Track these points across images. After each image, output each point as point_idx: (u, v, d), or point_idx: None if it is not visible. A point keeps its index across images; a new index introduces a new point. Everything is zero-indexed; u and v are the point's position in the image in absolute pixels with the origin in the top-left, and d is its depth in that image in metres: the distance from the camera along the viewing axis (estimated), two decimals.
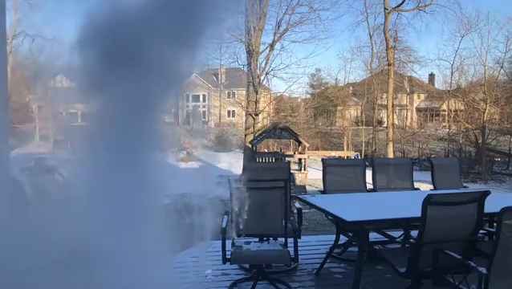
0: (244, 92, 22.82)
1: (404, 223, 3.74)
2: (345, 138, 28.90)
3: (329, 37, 45.48)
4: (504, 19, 30.40)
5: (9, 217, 1.98)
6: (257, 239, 3.79)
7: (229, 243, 3.46)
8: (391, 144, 23.06)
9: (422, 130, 30.10)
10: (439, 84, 37.39)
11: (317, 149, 26.51)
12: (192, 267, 4.12)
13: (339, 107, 35.71)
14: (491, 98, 20.74)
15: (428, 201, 2.76)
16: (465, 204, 2.88)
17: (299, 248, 3.49)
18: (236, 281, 3.78)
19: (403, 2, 23.34)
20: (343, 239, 4.32)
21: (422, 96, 39.55)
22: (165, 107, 2.22)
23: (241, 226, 3.53)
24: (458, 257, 2.72)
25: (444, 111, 31.91)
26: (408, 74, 32.88)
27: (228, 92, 40.24)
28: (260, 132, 17.81)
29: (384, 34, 23.89)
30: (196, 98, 41.33)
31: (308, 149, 18.13)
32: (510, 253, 2.55)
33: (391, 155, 22.46)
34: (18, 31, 29.76)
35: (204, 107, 41.35)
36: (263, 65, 16.42)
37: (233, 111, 39.74)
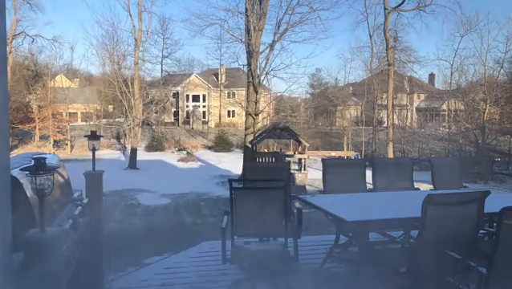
0: (244, 92, 22.81)
1: (404, 223, 3.73)
2: (345, 138, 28.91)
3: (329, 37, 45.50)
4: (504, 19, 30.40)
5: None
6: (257, 239, 3.78)
7: (229, 243, 3.45)
8: (391, 144, 23.09)
9: (422, 130, 30.15)
10: (439, 84, 37.44)
11: (317, 149, 26.52)
12: (192, 267, 4.12)
13: (339, 107, 35.77)
14: (491, 98, 20.76)
15: (428, 201, 2.75)
16: (465, 204, 2.88)
17: (299, 248, 3.48)
18: (236, 281, 3.77)
19: (403, 2, 23.39)
20: (343, 239, 4.31)
21: (422, 96, 39.57)
22: None
23: (241, 226, 3.53)
24: (458, 257, 2.72)
25: (444, 111, 31.92)
26: (408, 74, 32.95)
27: (228, 92, 40.23)
28: (260, 132, 17.80)
29: (384, 34, 23.92)
30: (196, 98, 41.33)
31: (308, 149, 18.11)
32: (510, 253, 2.54)
33: (391, 155, 22.48)
34: (18, 31, 29.79)
35: (204, 107, 41.34)
36: (263, 65, 16.42)
37: (233, 111, 39.72)
